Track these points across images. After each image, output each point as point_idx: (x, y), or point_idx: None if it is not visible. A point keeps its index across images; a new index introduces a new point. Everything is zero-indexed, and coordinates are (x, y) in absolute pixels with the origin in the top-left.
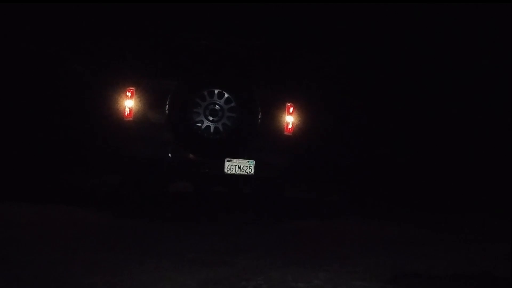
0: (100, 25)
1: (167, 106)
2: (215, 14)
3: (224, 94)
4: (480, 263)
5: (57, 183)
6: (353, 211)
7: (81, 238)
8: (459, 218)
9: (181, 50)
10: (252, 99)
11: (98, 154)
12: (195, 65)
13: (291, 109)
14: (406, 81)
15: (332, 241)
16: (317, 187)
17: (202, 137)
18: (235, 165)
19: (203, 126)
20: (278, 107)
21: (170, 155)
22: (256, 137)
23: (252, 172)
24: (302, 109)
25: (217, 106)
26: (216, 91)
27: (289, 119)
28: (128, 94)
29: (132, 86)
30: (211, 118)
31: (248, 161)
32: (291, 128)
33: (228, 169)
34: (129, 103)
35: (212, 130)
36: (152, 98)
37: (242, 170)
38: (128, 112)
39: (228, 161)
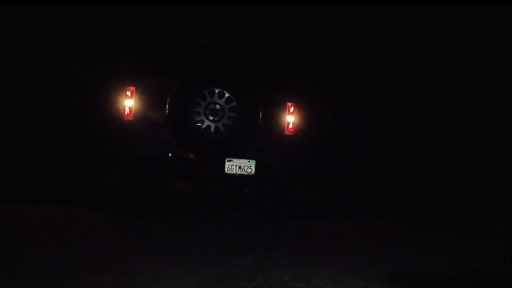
0: (100, 24)
1: (167, 105)
2: (215, 14)
3: (225, 93)
4: (480, 263)
5: (57, 183)
6: (353, 211)
7: (81, 238)
8: (459, 218)
9: (181, 49)
10: (253, 98)
11: (98, 154)
12: (196, 65)
13: (292, 109)
14: (406, 81)
15: (332, 241)
16: (318, 187)
17: (203, 136)
18: (236, 165)
19: (204, 126)
20: (278, 106)
21: (170, 155)
22: (256, 137)
23: (252, 172)
24: (303, 109)
25: (217, 105)
26: (216, 91)
27: (290, 119)
28: (128, 93)
29: (132, 86)
30: (211, 118)
31: (249, 161)
32: (292, 128)
33: (228, 169)
34: (129, 103)
35: (212, 129)
36: (152, 97)
37: (243, 170)
38: (128, 111)
39: (228, 161)
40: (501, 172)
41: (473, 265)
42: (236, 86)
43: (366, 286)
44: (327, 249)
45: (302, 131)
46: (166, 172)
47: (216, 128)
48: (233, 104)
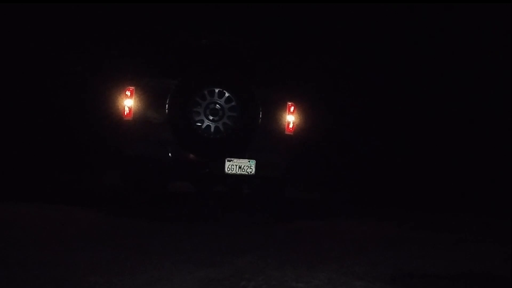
0: (100, 24)
1: (167, 105)
2: (215, 14)
3: (225, 93)
4: (480, 263)
5: (57, 183)
6: (353, 211)
7: (81, 238)
8: (459, 218)
9: (181, 49)
10: (253, 98)
11: (97, 154)
12: (195, 64)
13: (292, 109)
14: (406, 81)
15: (332, 241)
16: (318, 187)
17: (203, 136)
18: (236, 165)
19: (204, 126)
20: (279, 106)
21: (170, 155)
22: (257, 136)
23: (253, 172)
24: (303, 108)
25: (217, 105)
26: (216, 90)
27: (290, 118)
28: (128, 93)
29: (132, 85)
30: (211, 118)
31: (249, 161)
32: (292, 128)
33: (228, 169)
34: (128, 103)
35: (212, 129)
36: (152, 97)
37: (243, 170)
38: (128, 111)
39: (228, 160)
40: (501, 172)
41: (473, 265)
42: (236, 86)
43: (366, 286)
44: (327, 249)
45: (302, 130)
46: (166, 172)
47: (216, 128)
48: (233, 103)
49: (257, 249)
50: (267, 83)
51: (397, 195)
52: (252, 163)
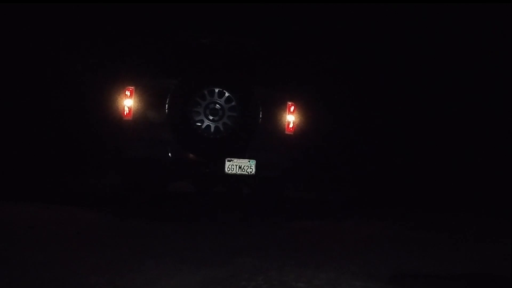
0: (100, 24)
1: (166, 105)
2: (215, 14)
3: (225, 93)
4: (480, 263)
5: (57, 183)
6: (353, 211)
7: (81, 238)
8: (459, 218)
9: (181, 49)
10: (253, 98)
11: (97, 154)
12: (195, 64)
13: (292, 108)
14: (406, 81)
15: (332, 241)
16: (318, 186)
17: (203, 136)
18: (236, 165)
19: (204, 126)
20: (279, 106)
21: (170, 155)
22: (257, 136)
23: (253, 171)
24: (303, 108)
25: (217, 105)
26: (216, 90)
27: (290, 118)
28: (127, 93)
29: (132, 85)
30: (211, 118)
31: (249, 161)
32: (292, 128)
33: (228, 169)
34: (128, 103)
35: (212, 129)
36: (151, 97)
37: (243, 170)
38: (127, 111)
39: (228, 160)
40: (501, 172)
41: (473, 265)
42: (236, 86)
43: (366, 286)
44: (327, 249)
45: (302, 130)
46: (166, 172)
47: (216, 127)
48: (233, 103)
49: (257, 249)
50: (267, 83)
51: (397, 195)
52: (252, 163)
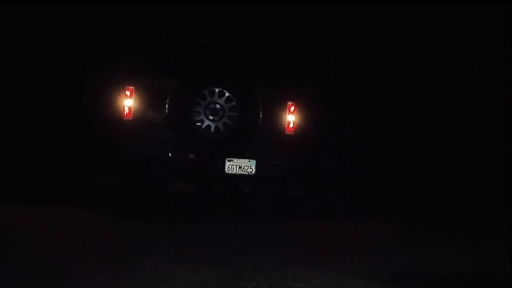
0: (100, 24)
1: (167, 105)
2: (215, 14)
3: (225, 93)
4: (480, 263)
5: (57, 183)
6: (353, 211)
7: (81, 238)
8: (459, 218)
9: (181, 49)
10: (253, 98)
11: (97, 154)
12: (195, 64)
13: (292, 108)
14: (406, 81)
15: (332, 241)
16: (318, 186)
17: (203, 136)
18: (236, 165)
19: (204, 126)
20: (279, 106)
21: (170, 155)
22: (257, 136)
23: (253, 171)
24: (303, 108)
25: (217, 105)
26: (216, 90)
27: (290, 118)
28: (128, 93)
29: (132, 85)
30: (211, 117)
31: (249, 161)
32: (292, 128)
33: (228, 169)
34: (128, 102)
35: (212, 129)
36: (151, 97)
37: (243, 170)
38: (128, 111)
39: (228, 160)
40: (501, 172)
41: (473, 265)
42: (236, 86)
43: (366, 286)
44: (327, 249)
45: (302, 130)
46: (166, 172)
47: (216, 127)
48: (233, 103)
49: (257, 249)
50: (267, 83)
51: (397, 195)
52: (252, 163)
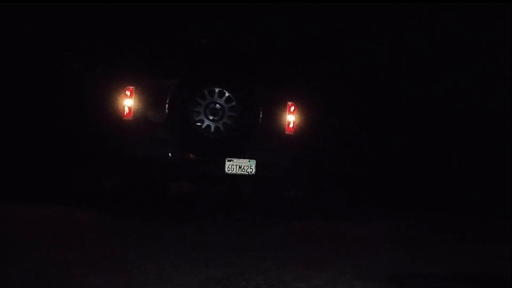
0: (100, 24)
1: (167, 105)
2: (215, 14)
3: (225, 93)
4: (480, 263)
5: (57, 183)
6: (353, 211)
7: (81, 238)
8: (459, 218)
9: (181, 48)
10: (253, 98)
11: (97, 154)
12: (195, 64)
13: (292, 108)
14: (406, 81)
15: (332, 241)
16: (318, 186)
17: (203, 136)
18: (236, 165)
19: (204, 126)
20: (279, 106)
21: (170, 155)
22: (257, 136)
23: (253, 172)
24: (304, 108)
25: (217, 105)
26: (216, 90)
27: (290, 118)
28: (128, 93)
29: (132, 85)
30: (211, 117)
31: (249, 161)
32: (292, 128)
33: (228, 169)
34: (128, 102)
35: (212, 129)
36: (151, 97)
37: (243, 170)
38: (128, 111)
39: (228, 160)
40: (501, 172)
41: (473, 265)
42: (236, 85)
43: (366, 286)
44: (327, 249)
45: (302, 130)
46: (166, 172)
47: (216, 127)
48: (233, 103)
49: (257, 249)
50: (267, 82)
51: (397, 195)
52: (252, 163)
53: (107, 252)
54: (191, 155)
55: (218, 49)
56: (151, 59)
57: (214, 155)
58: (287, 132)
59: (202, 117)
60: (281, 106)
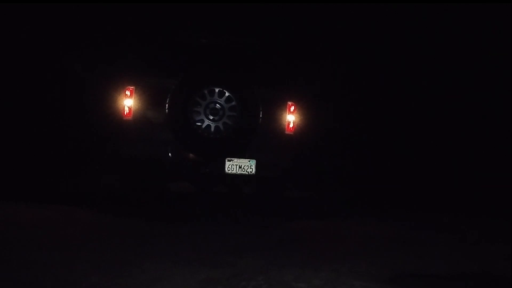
0: (99, 24)
1: (167, 105)
2: (215, 14)
3: (225, 92)
4: (480, 263)
5: (56, 183)
6: (353, 211)
7: (81, 238)
8: (459, 218)
9: (181, 48)
10: (253, 98)
11: (97, 154)
12: (195, 64)
13: (292, 108)
14: (406, 80)
15: (332, 241)
16: (318, 186)
17: (203, 136)
18: (236, 165)
19: (204, 125)
20: (279, 106)
21: (170, 155)
22: (257, 136)
23: (253, 171)
24: (303, 108)
25: (217, 105)
26: (216, 90)
27: (290, 118)
28: (128, 93)
29: (132, 85)
30: (211, 117)
31: (249, 161)
32: (292, 127)
33: (228, 168)
34: (128, 102)
35: (212, 129)
36: (151, 97)
37: (243, 170)
38: (128, 111)
39: (228, 160)
40: (501, 172)
41: (473, 265)
42: (236, 85)
43: (366, 286)
44: (327, 249)
45: (302, 130)
46: (166, 172)
47: (216, 127)
48: (233, 103)
49: (257, 249)
50: (267, 82)
51: (397, 195)
52: (252, 162)
53: (107, 252)
54: (191, 155)
55: (218, 49)
56: (151, 59)
57: (214, 155)
58: (287, 132)
59: (202, 117)
60: (281, 106)
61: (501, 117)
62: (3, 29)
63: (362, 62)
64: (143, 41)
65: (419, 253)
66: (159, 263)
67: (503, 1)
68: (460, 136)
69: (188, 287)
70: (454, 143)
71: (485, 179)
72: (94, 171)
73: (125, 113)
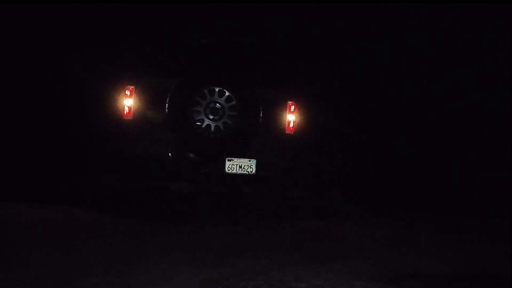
0: (99, 24)
1: (167, 104)
2: (215, 14)
3: (225, 92)
4: (480, 263)
5: (56, 183)
6: (353, 211)
7: (81, 238)
8: (459, 218)
9: (181, 48)
10: (253, 97)
11: (97, 153)
12: (195, 63)
13: (292, 108)
14: (406, 80)
15: (332, 241)
16: (318, 186)
17: (203, 136)
18: (236, 165)
19: (204, 125)
20: (279, 105)
21: (170, 154)
22: (257, 136)
23: (253, 171)
24: (304, 107)
25: (217, 104)
26: (216, 89)
27: (291, 117)
28: (127, 92)
29: (131, 85)
30: (211, 117)
31: (249, 161)
32: (292, 127)
33: (229, 168)
34: (128, 102)
35: (212, 129)
36: (151, 96)
37: (243, 170)
38: (127, 111)
39: (229, 160)
40: (500, 172)
41: (473, 265)
42: (237, 85)
43: (366, 286)
44: (327, 249)
45: (302, 130)
46: (166, 172)
47: (217, 127)
48: (233, 103)
49: (257, 249)
50: (268, 82)
51: (397, 195)
52: (253, 162)
53: (107, 252)
54: (191, 155)
55: (218, 49)
56: (151, 59)
57: (214, 155)
58: (287, 132)
59: (202, 116)
60: (281, 106)
61: (501, 117)
62: (3, 29)
63: (362, 62)
64: (143, 41)
65: (419, 253)
66: (159, 263)
67: (503, 1)
68: (460, 136)
69: (188, 287)
70: (454, 143)
71: (485, 179)
72: (94, 171)
73: (125, 113)
